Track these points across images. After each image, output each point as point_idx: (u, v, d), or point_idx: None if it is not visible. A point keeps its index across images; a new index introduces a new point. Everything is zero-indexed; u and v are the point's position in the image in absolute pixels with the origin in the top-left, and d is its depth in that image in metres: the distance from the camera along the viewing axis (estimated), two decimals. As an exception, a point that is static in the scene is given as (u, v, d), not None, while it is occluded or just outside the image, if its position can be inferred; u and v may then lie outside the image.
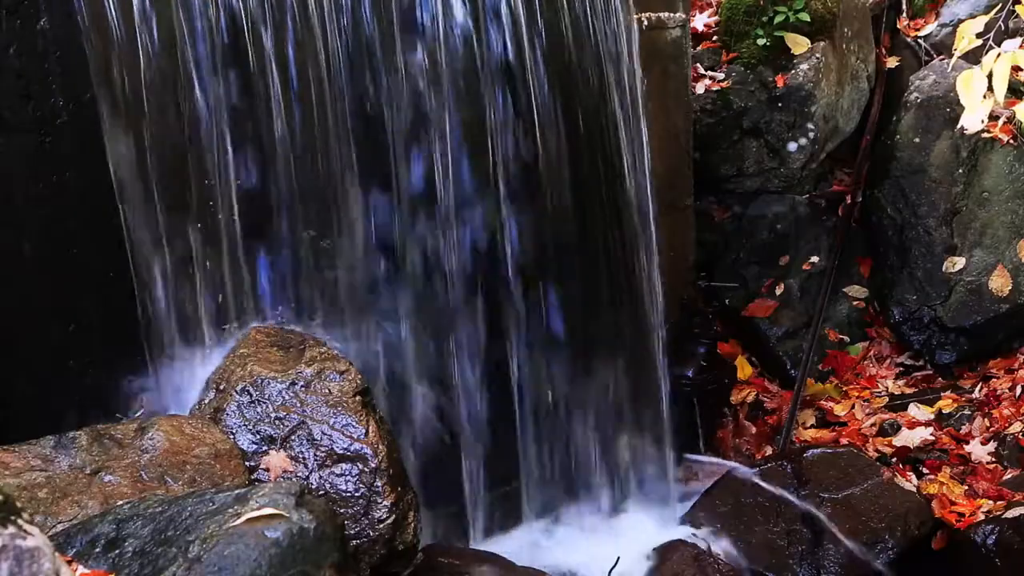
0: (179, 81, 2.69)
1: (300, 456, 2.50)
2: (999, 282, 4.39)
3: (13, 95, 2.43)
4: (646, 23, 3.88)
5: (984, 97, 2.40)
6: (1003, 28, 3.69)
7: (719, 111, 4.62)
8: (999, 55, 2.40)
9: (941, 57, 4.81)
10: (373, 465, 2.50)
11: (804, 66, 4.58)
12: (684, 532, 3.58)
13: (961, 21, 3.32)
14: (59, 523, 2.13)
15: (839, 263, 4.70)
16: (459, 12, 3.09)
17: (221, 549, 1.76)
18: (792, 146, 4.64)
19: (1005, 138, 4.45)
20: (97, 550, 1.91)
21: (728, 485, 3.73)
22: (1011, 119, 4.35)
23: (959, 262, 4.48)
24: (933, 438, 4.11)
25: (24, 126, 2.46)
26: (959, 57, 2.94)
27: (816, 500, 3.59)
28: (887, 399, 4.40)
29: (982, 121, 2.48)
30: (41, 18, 2.45)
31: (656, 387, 3.78)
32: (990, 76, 2.41)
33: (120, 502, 2.15)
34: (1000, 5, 3.32)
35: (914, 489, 3.75)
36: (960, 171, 4.53)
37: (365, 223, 3.11)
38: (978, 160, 4.52)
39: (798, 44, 4.57)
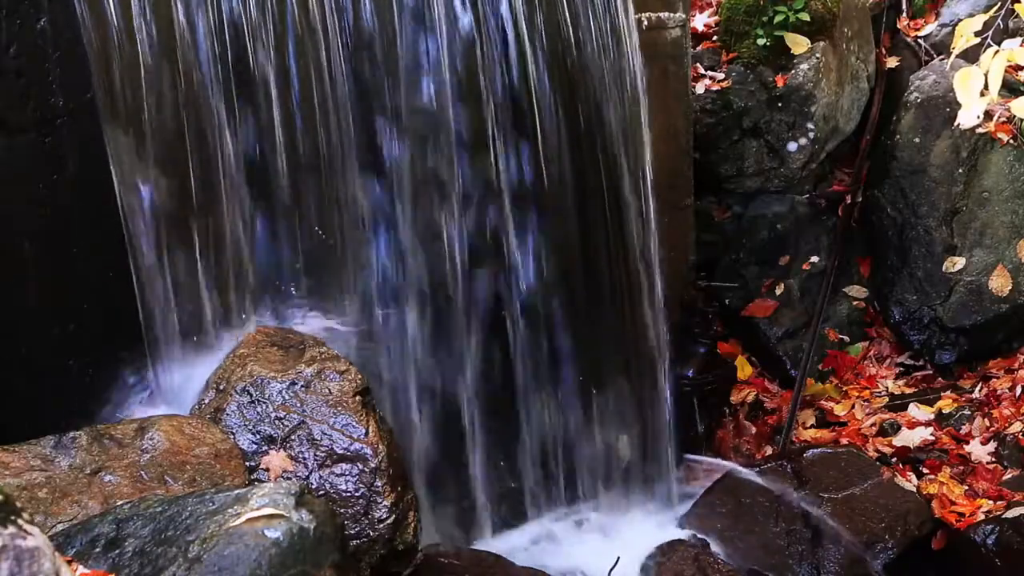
0: (179, 80, 2.68)
1: (300, 456, 2.50)
2: (999, 282, 4.39)
3: (13, 95, 2.43)
4: (646, 23, 3.89)
5: (981, 94, 2.40)
6: (1002, 27, 3.69)
7: (719, 111, 4.62)
8: (996, 52, 2.41)
9: (941, 57, 4.82)
10: (373, 465, 2.50)
11: (804, 66, 4.58)
12: (684, 532, 3.58)
13: (961, 21, 3.32)
14: (59, 523, 2.13)
15: (839, 263, 4.70)
16: (459, 13, 3.10)
17: (221, 549, 1.77)
18: (792, 146, 4.64)
19: (1005, 138, 4.45)
20: (97, 550, 1.91)
21: (728, 485, 3.74)
22: (1011, 119, 4.35)
23: (959, 262, 4.48)
24: (933, 438, 4.11)
25: (24, 126, 2.46)
26: (958, 56, 2.95)
27: (816, 500, 3.60)
28: (887, 399, 4.40)
29: (978, 117, 2.48)
30: (41, 18, 2.45)
31: (656, 387, 3.78)
32: (988, 74, 2.42)
33: (120, 502, 2.15)
34: (999, 4, 3.32)
35: (914, 489, 3.76)
36: (960, 171, 4.53)
37: (367, 222, 3.11)
38: (978, 160, 4.52)
39: (798, 44, 4.57)
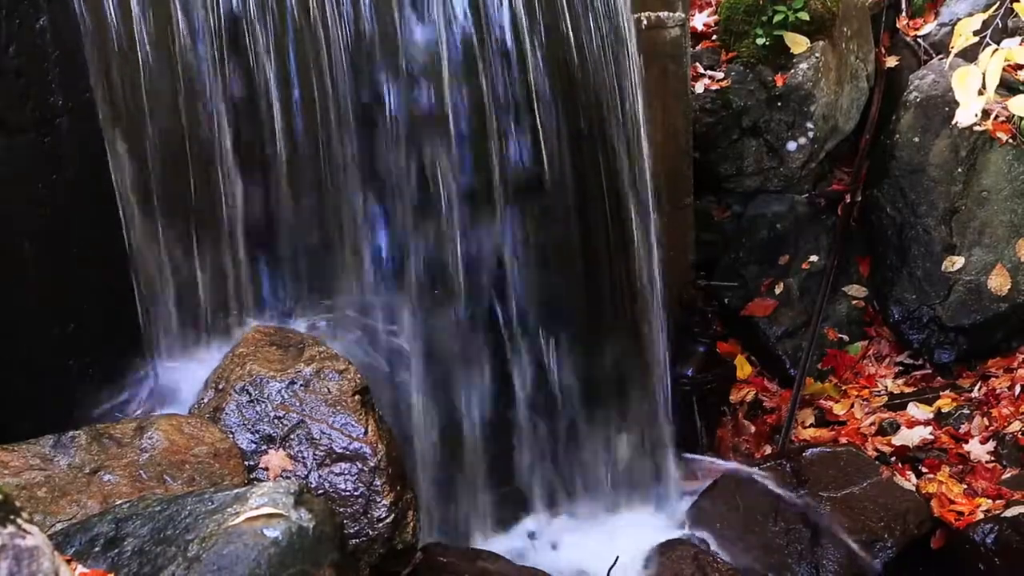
0: (178, 80, 2.69)
1: (299, 455, 2.50)
2: (998, 281, 4.39)
3: (13, 95, 2.43)
4: (645, 23, 3.89)
5: (980, 93, 2.40)
6: (1001, 27, 3.69)
7: (719, 111, 4.62)
8: (995, 51, 2.41)
9: (940, 56, 4.82)
10: (372, 464, 2.50)
11: (803, 65, 4.58)
12: (683, 532, 3.58)
13: (960, 20, 3.32)
14: (58, 522, 2.13)
15: (838, 262, 4.70)
16: (459, 13, 3.10)
17: (220, 548, 1.77)
18: (791, 145, 4.65)
19: (1004, 137, 4.45)
20: (96, 549, 1.91)
21: (727, 485, 3.74)
22: (1009, 118, 4.35)
23: (958, 261, 4.48)
24: (932, 437, 4.11)
25: (24, 126, 2.46)
26: (957, 55, 2.94)
27: (815, 499, 3.60)
28: (886, 398, 4.40)
29: (975, 116, 2.49)
30: (40, 18, 2.45)
31: (656, 386, 3.78)
32: (985, 73, 2.42)
33: (119, 501, 2.16)
34: (999, 4, 3.32)
35: (913, 488, 3.75)
36: (959, 170, 4.53)
37: (367, 222, 3.11)
38: (977, 159, 4.52)
39: (797, 43, 4.57)
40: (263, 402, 2.56)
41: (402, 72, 3.06)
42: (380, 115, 3.07)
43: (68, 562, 1.53)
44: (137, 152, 2.65)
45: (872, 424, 4.23)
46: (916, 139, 4.63)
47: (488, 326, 3.37)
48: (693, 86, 4.52)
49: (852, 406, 4.36)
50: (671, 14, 4.07)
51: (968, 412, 4.19)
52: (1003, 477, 3.85)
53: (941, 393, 4.34)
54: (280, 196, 2.91)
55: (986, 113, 4.22)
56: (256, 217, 2.89)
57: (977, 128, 4.39)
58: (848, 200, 4.80)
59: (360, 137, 3.03)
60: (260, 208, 2.89)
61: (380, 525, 2.46)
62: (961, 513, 3.65)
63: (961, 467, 3.94)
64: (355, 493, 2.48)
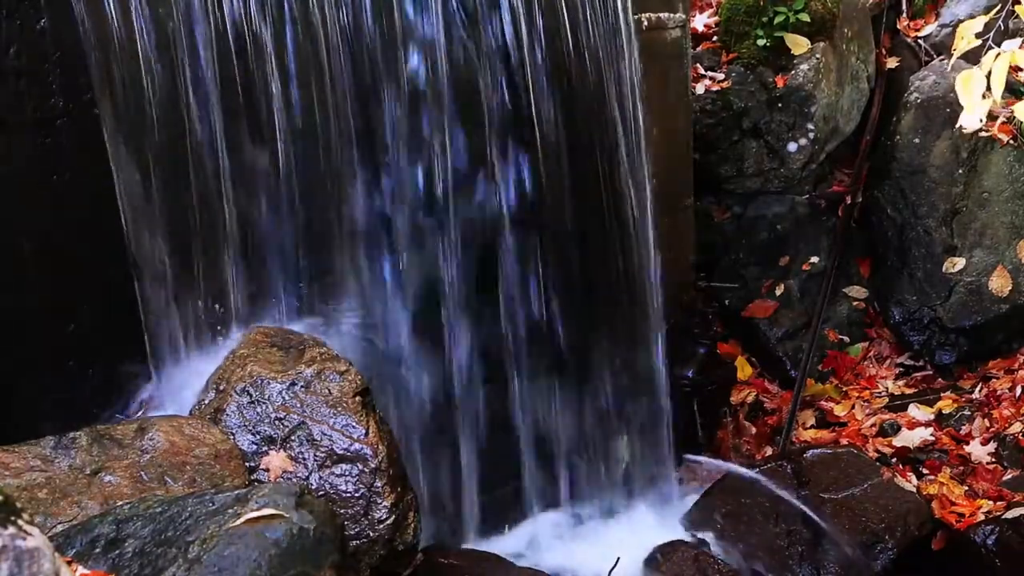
0: (179, 80, 2.68)
1: (300, 456, 2.50)
2: (999, 282, 4.39)
3: (13, 95, 2.43)
4: (646, 23, 3.88)
5: (984, 96, 2.40)
6: (1003, 28, 3.69)
7: (719, 111, 4.62)
8: (998, 55, 2.40)
9: (941, 57, 4.82)
10: (373, 465, 2.50)
11: (804, 67, 4.58)
12: (684, 532, 3.58)
13: (961, 21, 3.32)
14: (59, 523, 2.13)
15: (839, 263, 4.70)
16: (458, 15, 3.09)
17: (221, 550, 1.76)
18: (792, 147, 4.65)
19: (1005, 138, 4.45)
20: (97, 550, 1.91)
21: (728, 486, 3.74)
22: (1010, 119, 4.35)
23: (959, 262, 4.48)
24: (933, 438, 4.11)
25: (24, 126, 2.46)
26: (959, 57, 2.94)
27: (816, 500, 3.60)
28: (887, 399, 4.40)
29: (980, 120, 2.48)
30: (41, 19, 2.45)
31: (656, 387, 3.78)
32: (989, 76, 2.41)
33: (120, 502, 2.15)
34: (1000, 5, 3.32)
35: (914, 489, 3.76)
36: (960, 171, 4.53)
37: (366, 220, 3.11)
38: (978, 160, 4.52)
39: (798, 45, 4.57)
40: (264, 403, 2.56)
41: (402, 79, 3.05)
42: (378, 122, 3.06)
43: (69, 563, 1.52)
44: (138, 152, 2.65)
45: (873, 425, 4.24)
46: (917, 140, 4.63)
47: (486, 328, 3.36)
48: (693, 87, 4.52)
49: (853, 407, 4.37)
50: (672, 15, 4.07)
51: (969, 413, 4.19)
52: (1004, 478, 3.85)
53: (942, 394, 4.34)
54: (282, 196, 2.91)
55: (989, 115, 4.22)
56: (258, 217, 2.88)
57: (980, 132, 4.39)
58: (848, 201, 4.80)
59: (358, 141, 3.03)
60: (262, 208, 2.89)
61: (381, 526, 2.46)
62: (962, 515, 3.65)
63: (962, 468, 3.94)
64: (356, 494, 2.47)
